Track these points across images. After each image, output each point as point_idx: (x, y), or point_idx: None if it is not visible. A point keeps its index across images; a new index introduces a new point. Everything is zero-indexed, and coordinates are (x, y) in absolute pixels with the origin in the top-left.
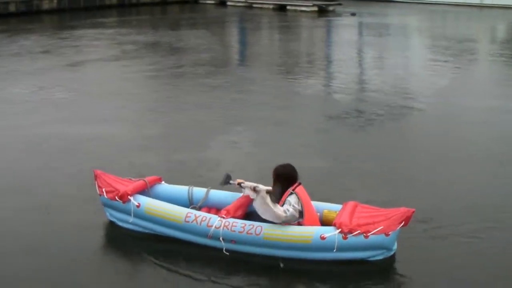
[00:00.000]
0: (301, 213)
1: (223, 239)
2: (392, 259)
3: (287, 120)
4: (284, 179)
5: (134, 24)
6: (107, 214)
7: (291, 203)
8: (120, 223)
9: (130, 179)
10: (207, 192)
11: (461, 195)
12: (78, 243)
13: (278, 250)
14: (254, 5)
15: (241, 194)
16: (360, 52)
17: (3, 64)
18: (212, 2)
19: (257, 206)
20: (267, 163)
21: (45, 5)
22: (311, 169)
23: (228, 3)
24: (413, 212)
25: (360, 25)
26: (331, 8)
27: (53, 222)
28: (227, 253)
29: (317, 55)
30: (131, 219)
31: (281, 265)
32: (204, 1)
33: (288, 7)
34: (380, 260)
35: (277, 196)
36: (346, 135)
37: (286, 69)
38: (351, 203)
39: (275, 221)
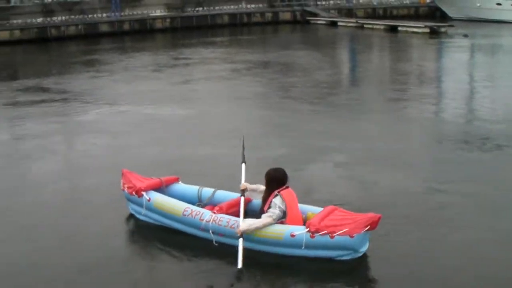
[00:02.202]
0: (284, 213)
1: (212, 232)
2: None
3: (397, 143)
4: (274, 182)
5: (245, 43)
6: (129, 207)
7: (276, 205)
8: (137, 215)
9: (151, 178)
10: (213, 192)
11: None
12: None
13: (255, 244)
14: (365, 26)
15: (239, 195)
16: (473, 74)
17: (114, 81)
18: (323, 22)
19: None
20: (373, 185)
21: (158, 24)
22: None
23: (339, 23)
24: (380, 217)
25: (473, 46)
26: (443, 29)
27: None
28: (216, 244)
29: (429, 77)
30: (143, 211)
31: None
32: (315, 21)
33: (399, 28)
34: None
35: (265, 196)
36: (458, 160)
37: (396, 90)
38: (330, 207)
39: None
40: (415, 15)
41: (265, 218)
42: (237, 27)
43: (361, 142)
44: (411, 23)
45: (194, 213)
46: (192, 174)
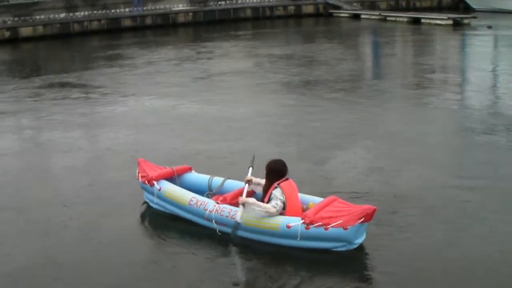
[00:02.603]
0: (284, 205)
1: (215, 221)
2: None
3: (420, 134)
4: (273, 173)
5: (268, 37)
6: (144, 195)
7: (277, 197)
8: (150, 203)
9: (165, 167)
10: (223, 182)
11: None
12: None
13: (254, 234)
14: (388, 18)
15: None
16: (497, 66)
17: (136, 76)
18: (346, 15)
19: (252, 214)
20: (396, 177)
21: (181, 18)
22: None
23: (362, 16)
24: (375, 209)
25: (497, 38)
26: (466, 21)
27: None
28: (220, 234)
29: (453, 69)
30: (155, 199)
31: None
32: (338, 14)
33: (422, 20)
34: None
35: (265, 188)
36: (483, 151)
37: (420, 83)
38: (330, 198)
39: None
40: (438, 7)
41: (269, 206)
42: (260, 21)
43: (385, 134)
44: (434, 15)
45: (199, 203)
46: (210, 168)
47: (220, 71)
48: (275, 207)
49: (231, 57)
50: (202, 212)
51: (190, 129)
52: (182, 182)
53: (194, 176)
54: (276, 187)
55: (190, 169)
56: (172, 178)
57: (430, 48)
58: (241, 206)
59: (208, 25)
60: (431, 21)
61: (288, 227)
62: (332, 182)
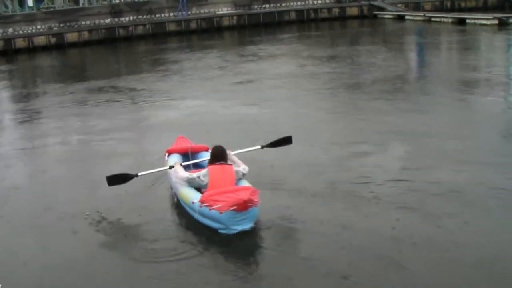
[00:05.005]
0: (206, 185)
1: (172, 187)
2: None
3: (466, 139)
4: (211, 156)
5: (313, 39)
6: None
7: (199, 173)
8: None
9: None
10: None
11: None
12: None
13: (183, 204)
14: (433, 19)
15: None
16: None
17: (181, 80)
18: (391, 16)
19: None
20: (434, 182)
21: (225, 22)
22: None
23: (407, 17)
24: (245, 201)
25: None
26: None
27: None
28: (175, 200)
29: (498, 69)
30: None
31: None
32: (382, 16)
33: (467, 21)
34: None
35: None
36: None
37: (465, 83)
38: (247, 187)
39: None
40: (484, 7)
41: (182, 175)
42: (305, 23)
43: (428, 138)
44: (479, 15)
45: (173, 170)
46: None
47: (264, 75)
48: (187, 177)
49: (275, 60)
50: (173, 179)
51: (229, 134)
52: (195, 158)
53: (205, 154)
54: (206, 168)
55: (207, 149)
56: (186, 154)
57: (475, 48)
58: (166, 167)
59: (253, 29)
60: (476, 21)
61: (192, 202)
62: (362, 182)
